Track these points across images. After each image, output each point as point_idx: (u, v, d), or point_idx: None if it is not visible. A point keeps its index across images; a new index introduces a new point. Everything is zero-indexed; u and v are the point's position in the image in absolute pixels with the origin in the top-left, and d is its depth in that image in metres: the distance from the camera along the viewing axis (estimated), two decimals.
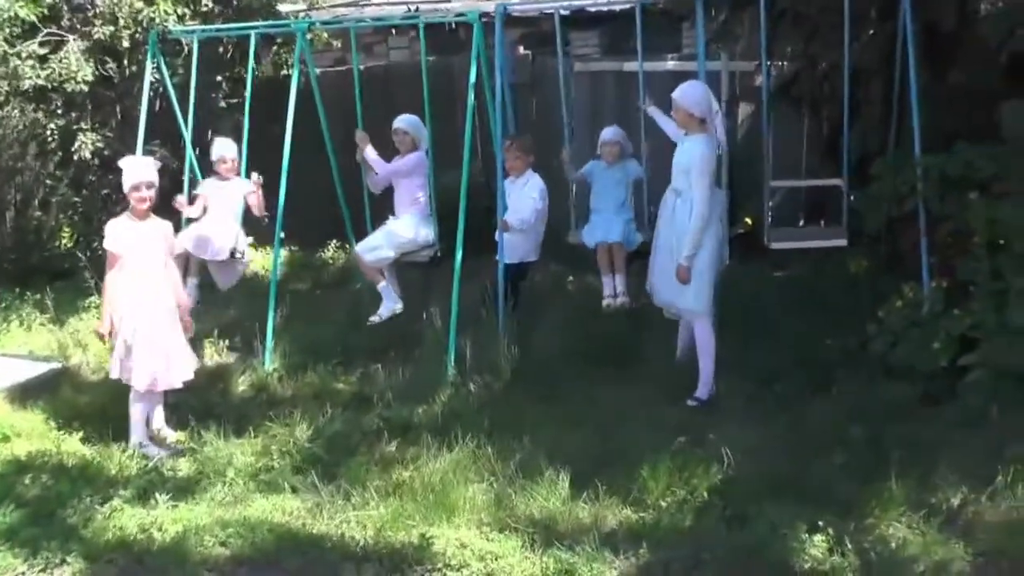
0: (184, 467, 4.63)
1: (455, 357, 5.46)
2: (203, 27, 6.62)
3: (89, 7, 6.42)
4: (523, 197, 5.78)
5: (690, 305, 4.98)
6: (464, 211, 5.67)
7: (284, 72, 8.32)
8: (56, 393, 5.55)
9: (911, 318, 4.98)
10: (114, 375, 4.78)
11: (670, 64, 7.54)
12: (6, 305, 7.32)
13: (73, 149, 6.62)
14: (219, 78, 7.90)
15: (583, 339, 5.70)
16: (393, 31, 10.00)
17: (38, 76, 6.08)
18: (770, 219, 5.68)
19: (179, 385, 4.90)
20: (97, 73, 6.61)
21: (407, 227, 6.09)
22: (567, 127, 6.22)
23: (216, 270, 6.69)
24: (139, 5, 6.45)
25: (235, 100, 8.20)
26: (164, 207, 7.91)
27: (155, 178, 4.78)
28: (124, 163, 4.81)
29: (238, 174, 6.62)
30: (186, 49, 6.86)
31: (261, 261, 8.52)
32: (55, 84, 6.27)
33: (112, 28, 6.44)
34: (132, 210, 4.72)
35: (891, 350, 5.01)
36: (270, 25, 6.68)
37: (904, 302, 4.99)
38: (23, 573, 3.69)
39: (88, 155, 6.50)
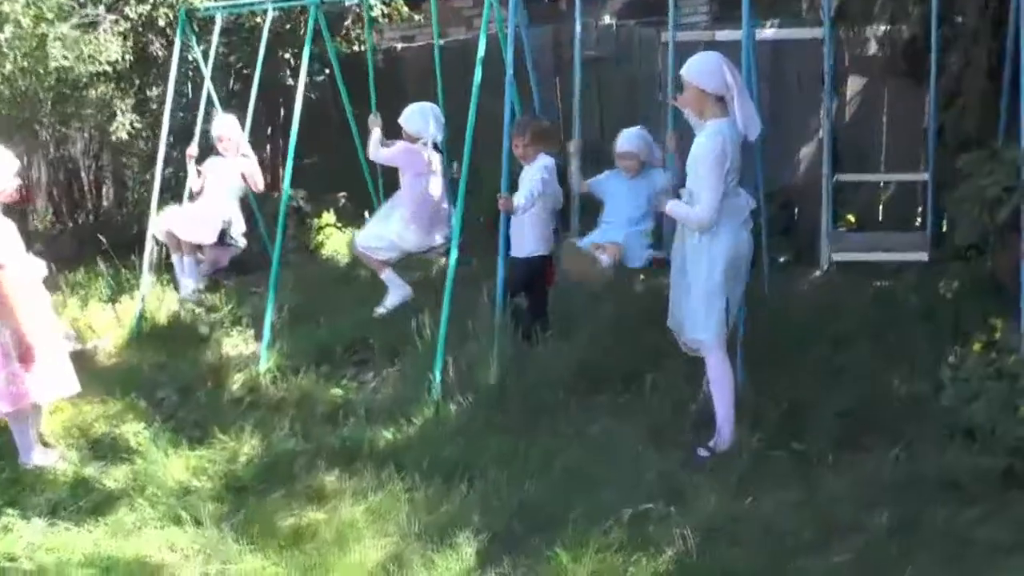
0: (120, 477, 4.29)
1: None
2: (225, 4, 6.27)
3: None
4: (527, 179, 4.98)
5: (698, 333, 4.04)
6: (462, 204, 4.98)
7: (355, 49, 7.91)
8: None
9: (996, 366, 3.74)
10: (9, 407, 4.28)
11: (768, 32, 6.36)
12: (79, 280, 7.39)
13: (111, 129, 6.53)
14: (286, 55, 7.59)
15: (599, 356, 4.84)
16: (493, 3, 9.31)
17: (65, 58, 5.97)
18: (830, 222, 4.53)
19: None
20: (136, 53, 6.46)
21: (396, 229, 5.73)
22: (577, 112, 5.22)
23: (206, 251, 6.62)
24: None
25: (320, 78, 7.92)
26: None
27: None
28: None
29: (237, 152, 6.37)
30: (226, 25, 6.56)
31: (342, 240, 8.16)
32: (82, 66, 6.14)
33: (149, 7, 6.23)
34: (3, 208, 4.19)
35: (967, 406, 3.80)
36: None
37: (986, 343, 3.75)
38: None
39: (125, 136, 6.38)
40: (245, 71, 7.47)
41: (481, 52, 4.99)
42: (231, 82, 7.73)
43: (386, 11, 8.03)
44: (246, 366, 5.54)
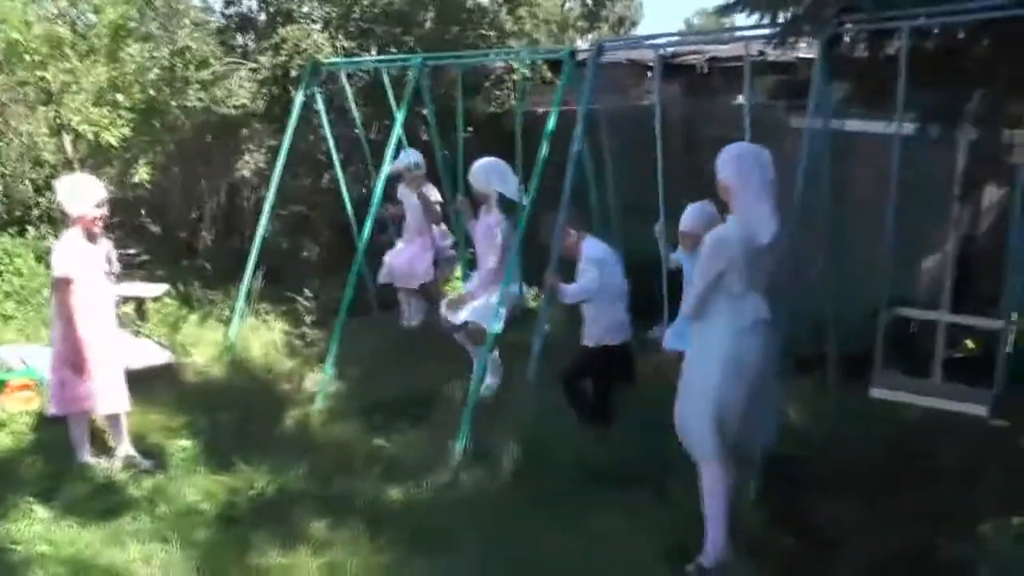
0: (146, 487, 4.50)
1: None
2: (348, 60, 6.64)
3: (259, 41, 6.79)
4: (580, 270, 4.84)
5: (690, 443, 3.72)
6: (508, 279, 4.95)
7: (492, 109, 8.12)
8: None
9: None
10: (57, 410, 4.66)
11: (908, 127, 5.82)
12: (211, 298, 7.92)
13: (237, 167, 7.05)
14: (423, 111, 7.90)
15: (632, 447, 4.56)
16: (647, 74, 9.25)
17: (200, 100, 6.55)
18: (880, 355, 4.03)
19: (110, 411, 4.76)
20: (272, 99, 6.96)
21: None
22: (661, 194, 4.93)
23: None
24: (313, 36, 6.65)
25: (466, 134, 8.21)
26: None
27: None
28: (80, 182, 4.66)
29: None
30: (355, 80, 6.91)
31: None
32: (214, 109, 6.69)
33: (284, 58, 6.72)
34: (86, 230, 4.57)
35: None
36: (393, 59, 6.54)
37: None
38: None
39: (247, 174, 6.87)
40: (386, 123, 7.86)
41: (551, 125, 4.97)
42: (373, 132, 8.14)
43: (529, 75, 8.18)
44: (309, 403, 5.73)
